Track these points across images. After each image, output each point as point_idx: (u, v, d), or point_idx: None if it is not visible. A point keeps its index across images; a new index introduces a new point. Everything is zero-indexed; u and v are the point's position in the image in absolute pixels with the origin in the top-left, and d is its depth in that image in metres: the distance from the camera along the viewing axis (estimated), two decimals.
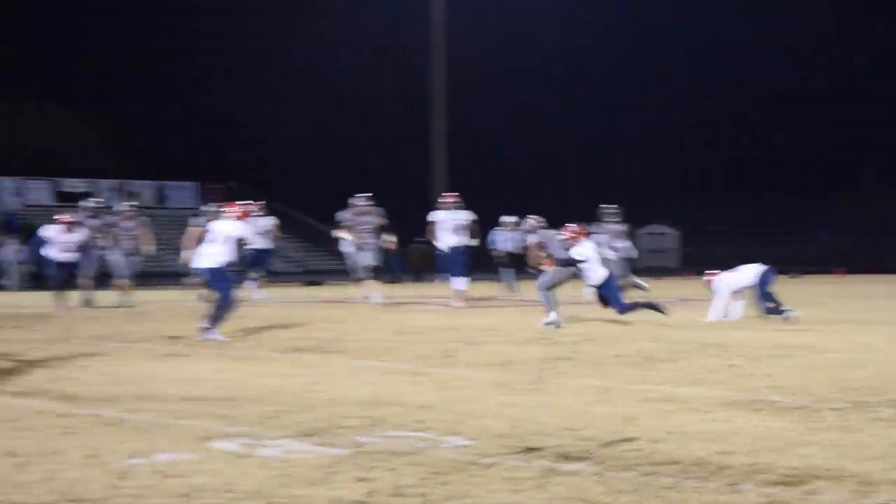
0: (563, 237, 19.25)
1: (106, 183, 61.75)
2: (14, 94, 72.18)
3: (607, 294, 18.83)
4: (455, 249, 24.97)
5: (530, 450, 8.26)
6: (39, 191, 60.20)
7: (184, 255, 25.27)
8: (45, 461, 7.87)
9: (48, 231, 25.66)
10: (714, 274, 21.03)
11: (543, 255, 19.41)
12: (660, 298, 22.27)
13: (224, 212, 18.82)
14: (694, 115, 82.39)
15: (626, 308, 18.87)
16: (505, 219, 31.41)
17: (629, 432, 8.94)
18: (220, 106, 77.89)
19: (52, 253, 25.57)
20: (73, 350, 15.59)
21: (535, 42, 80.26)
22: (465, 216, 25.14)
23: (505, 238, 31.85)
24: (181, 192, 62.25)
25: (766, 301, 20.55)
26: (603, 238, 27.41)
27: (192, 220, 26.80)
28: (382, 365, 13.72)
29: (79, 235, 25.59)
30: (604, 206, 27.77)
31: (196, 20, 78.30)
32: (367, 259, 24.27)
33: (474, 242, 25.29)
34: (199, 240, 24.36)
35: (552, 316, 18.72)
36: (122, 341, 17.00)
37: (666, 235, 70.93)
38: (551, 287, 19.07)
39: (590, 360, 14.19)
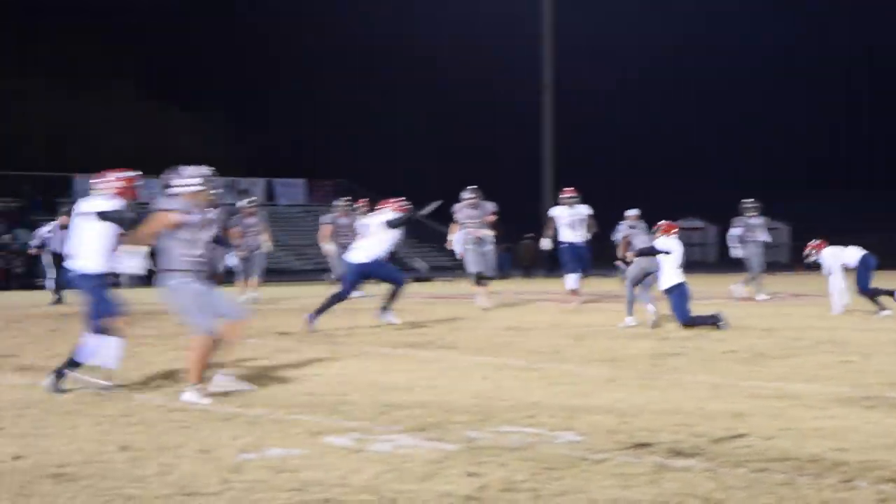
0: (653, 230, 18.72)
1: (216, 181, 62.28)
2: (125, 94, 73.22)
3: (676, 301, 17.96)
4: (572, 246, 24.63)
5: (641, 446, 8.22)
6: (150, 188, 60.86)
7: (324, 248, 25.36)
8: (159, 455, 7.97)
9: None
10: (819, 245, 20.98)
11: (630, 252, 18.91)
12: (773, 294, 22.11)
13: (378, 207, 19.21)
14: (809, 108, 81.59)
15: (688, 321, 17.66)
16: (629, 213, 31.30)
17: (741, 429, 8.86)
18: (329, 104, 78.42)
19: None
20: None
21: (645, 39, 79.97)
22: (584, 210, 24.83)
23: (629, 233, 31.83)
24: (290, 189, 62.62)
25: (868, 284, 20.54)
26: (739, 231, 27.14)
27: (323, 217, 26.95)
28: (493, 361, 13.71)
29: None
30: (745, 200, 27.43)
31: (304, 22, 78.87)
32: (480, 260, 23.63)
33: (591, 234, 24.89)
34: (332, 234, 24.57)
35: (628, 320, 18.40)
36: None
37: (777, 230, 70.33)
38: (635, 283, 18.66)
39: (700, 356, 14.08)
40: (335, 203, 26.56)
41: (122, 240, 10.97)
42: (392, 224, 18.42)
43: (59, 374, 11.02)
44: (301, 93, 78.25)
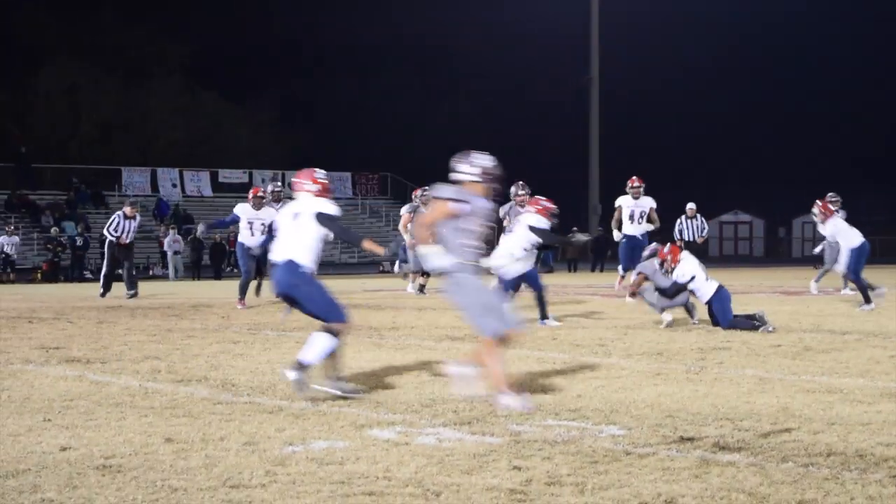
0: (657, 262, 17.44)
1: (263, 173, 62.75)
2: (174, 86, 73.59)
3: (718, 306, 16.96)
4: (630, 239, 24.18)
5: (686, 440, 8.19)
6: (198, 181, 61.20)
7: (409, 239, 25.02)
8: (205, 447, 8.00)
9: (240, 209, 23.50)
10: (828, 210, 21.10)
11: (640, 281, 17.88)
12: (820, 290, 22.12)
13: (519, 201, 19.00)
14: (855, 104, 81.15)
15: (731, 324, 16.72)
16: (688, 206, 31.25)
17: (788, 423, 8.82)
18: (375, 98, 78.60)
19: (243, 236, 23.29)
20: (231, 338, 15.83)
21: (688, 37, 79.82)
22: (648, 203, 24.39)
23: (689, 226, 31.86)
24: (335, 183, 62.88)
25: (860, 271, 21.01)
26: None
27: (403, 209, 26.64)
28: (538, 354, 13.69)
29: (272, 212, 23.06)
30: (830, 194, 27.10)
31: (353, 18, 79.04)
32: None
33: (653, 226, 24.40)
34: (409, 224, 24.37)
35: (665, 317, 17.61)
36: (280, 330, 17.18)
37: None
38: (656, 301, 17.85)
39: (747, 350, 14.01)
40: (416, 193, 26.28)
41: (417, 238, 10.15)
42: (534, 231, 18.04)
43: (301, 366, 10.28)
44: (347, 87, 78.43)
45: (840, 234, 21.19)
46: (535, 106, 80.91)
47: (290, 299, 10.66)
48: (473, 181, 10.10)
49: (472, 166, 10.12)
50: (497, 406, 9.54)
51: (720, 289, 17.05)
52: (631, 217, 24.35)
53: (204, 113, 73.12)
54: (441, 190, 10.08)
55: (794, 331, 16.35)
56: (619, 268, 24.97)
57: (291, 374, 10.11)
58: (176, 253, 46.03)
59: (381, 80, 79.08)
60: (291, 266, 10.46)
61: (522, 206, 21.48)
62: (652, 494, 6.65)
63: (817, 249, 27.30)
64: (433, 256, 9.88)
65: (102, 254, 28.36)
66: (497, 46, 79.28)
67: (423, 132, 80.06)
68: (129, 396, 10.35)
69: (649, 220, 24.46)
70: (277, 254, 10.62)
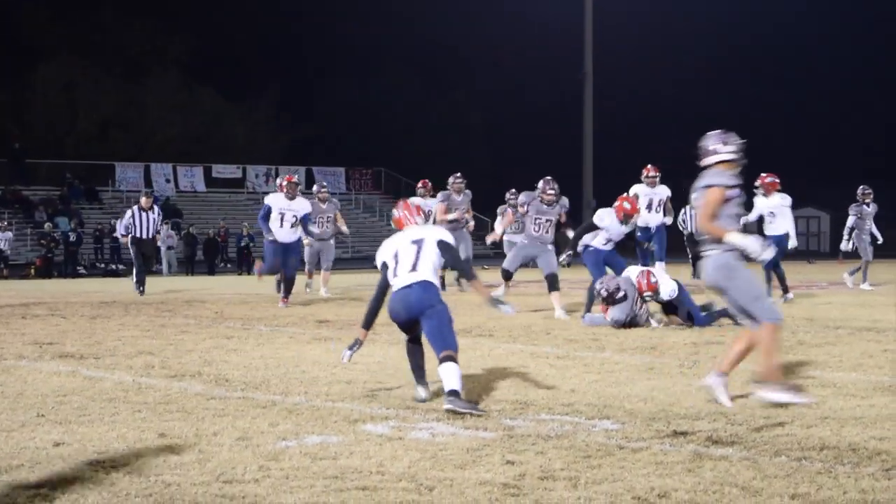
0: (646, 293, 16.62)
1: (256, 169, 62.69)
2: (171, 82, 73.54)
3: (684, 307, 16.52)
4: (646, 230, 23.71)
5: (679, 434, 8.20)
6: (191, 176, 61.14)
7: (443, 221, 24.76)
8: (198, 443, 8.00)
9: (272, 198, 22.07)
10: (772, 182, 21.36)
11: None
12: (812, 283, 22.14)
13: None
14: (855, 97, 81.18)
15: (703, 320, 16.37)
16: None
17: (781, 417, 8.83)
18: (371, 94, 78.63)
19: (272, 228, 21.61)
20: (224, 334, 15.81)
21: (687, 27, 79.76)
22: (664, 192, 23.72)
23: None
24: (330, 177, 62.82)
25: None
26: (852, 221, 26.81)
27: (435, 202, 25.97)
28: (531, 349, 13.71)
29: (305, 204, 22.17)
30: (862, 186, 26.86)
31: (350, 15, 79.04)
32: (516, 260, 20.17)
33: (668, 220, 23.94)
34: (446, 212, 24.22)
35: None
36: (273, 325, 17.17)
37: (819, 219, 70.35)
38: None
39: None
40: (449, 181, 25.86)
41: (710, 232, 9.66)
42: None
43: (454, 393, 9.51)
44: (343, 84, 78.46)
45: (779, 211, 21.20)
46: (531, 102, 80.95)
47: (412, 322, 10.18)
48: (731, 160, 9.81)
49: (727, 145, 9.82)
50: (764, 398, 9.37)
51: (680, 287, 16.77)
52: (649, 206, 23.57)
53: (201, 110, 73.08)
54: (712, 176, 9.73)
55: (787, 325, 16.34)
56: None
57: (449, 405, 9.28)
58: (169, 248, 46.00)
59: (377, 76, 79.08)
60: (430, 285, 10.02)
61: (549, 205, 19.64)
62: (645, 488, 6.66)
63: (848, 247, 27.14)
64: (754, 244, 9.51)
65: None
66: (495, 43, 79.28)
67: (418, 128, 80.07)
68: (123, 392, 10.35)
69: (664, 211, 23.91)
70: (404, 279, 10.09)
